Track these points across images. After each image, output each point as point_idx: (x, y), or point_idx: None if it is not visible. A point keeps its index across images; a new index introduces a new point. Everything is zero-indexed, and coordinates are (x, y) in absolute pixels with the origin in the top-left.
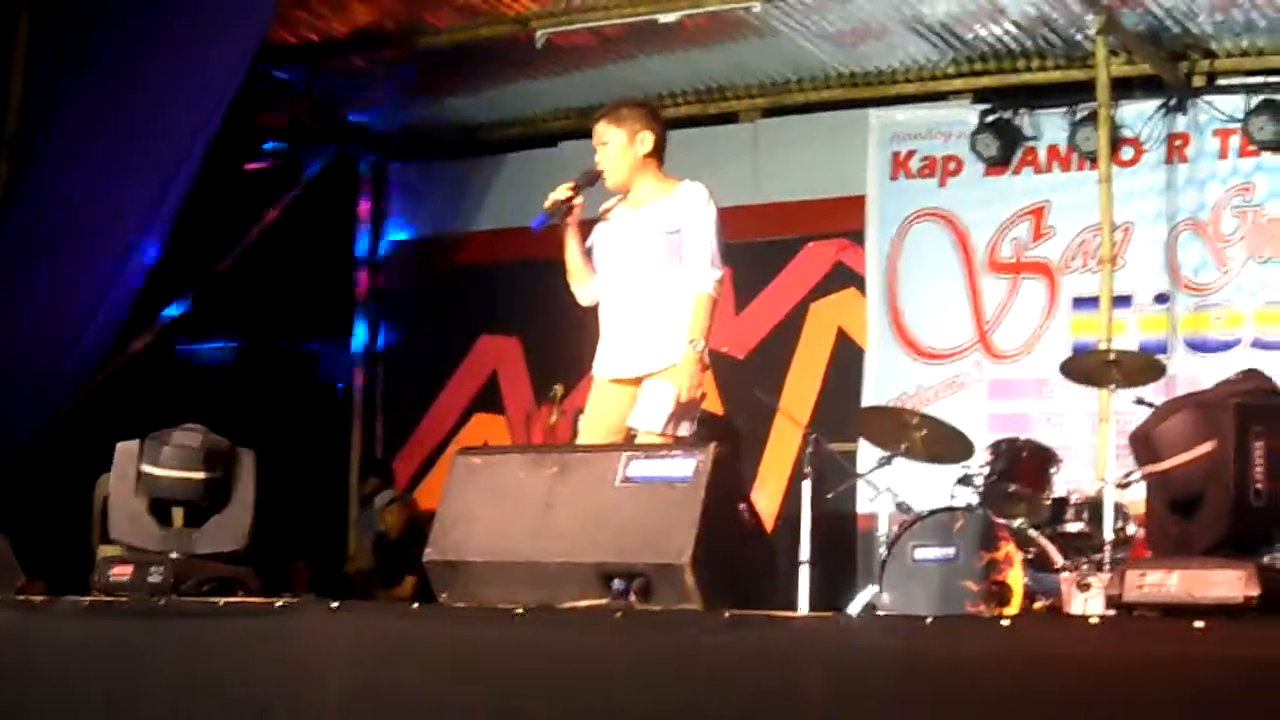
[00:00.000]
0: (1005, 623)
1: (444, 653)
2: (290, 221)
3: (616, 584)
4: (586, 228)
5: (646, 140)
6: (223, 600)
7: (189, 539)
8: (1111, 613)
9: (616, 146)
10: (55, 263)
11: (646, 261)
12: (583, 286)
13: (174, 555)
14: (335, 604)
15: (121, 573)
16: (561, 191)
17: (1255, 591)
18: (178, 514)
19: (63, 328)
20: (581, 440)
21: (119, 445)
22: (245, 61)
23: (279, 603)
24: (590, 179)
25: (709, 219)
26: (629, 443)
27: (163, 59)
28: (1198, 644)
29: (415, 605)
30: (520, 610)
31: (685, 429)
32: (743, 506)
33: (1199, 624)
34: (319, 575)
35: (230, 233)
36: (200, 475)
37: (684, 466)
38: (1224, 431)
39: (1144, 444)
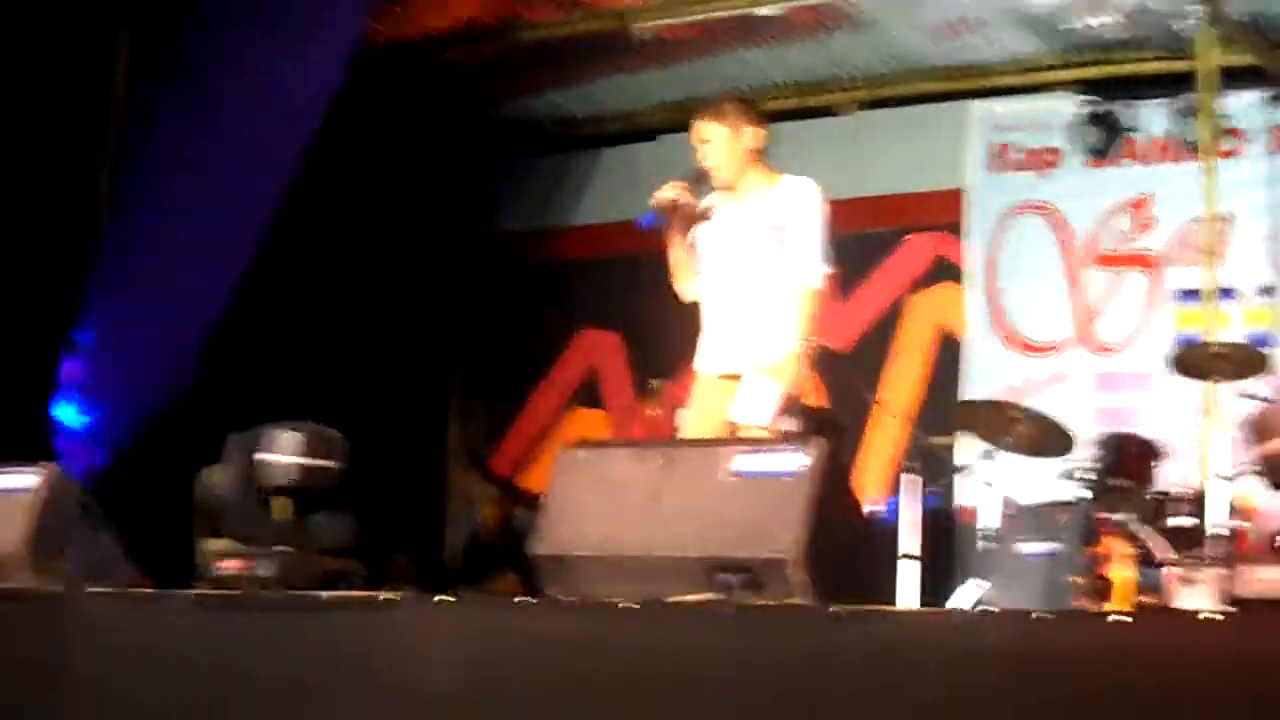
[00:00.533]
0: (1124, 619)
1: (552, 647)
2: (393, 218)
3: (724, 578)
4: (690, 224)
5: (750, 135)
6: (328, 594)
7: (302, 532)
8: (1221, 607)
9: (722, 142)
10: (158, 269)
11: (752, 256)
12: (687, 283)
13: (282, 549)
14: (439, 598)
15: (230, 566)
16: (670, 190)
17: None
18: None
19: (166, 332)
20: (685, 434)
21: (231, 436)
22: (343, 61)
23: (384, 596)
24: (698, 177)
25: (818, 214)
26: (737, 436)
27: (259, 63)
28: None
29: (523, 599)
30: (628, 605)
31: (789, 424)
32: (850, 501)
33: None
34: (419, 569)
35: (338, 225)
36: (312, 463)
37: (792, 461)
38: None
39: (1256, 428)
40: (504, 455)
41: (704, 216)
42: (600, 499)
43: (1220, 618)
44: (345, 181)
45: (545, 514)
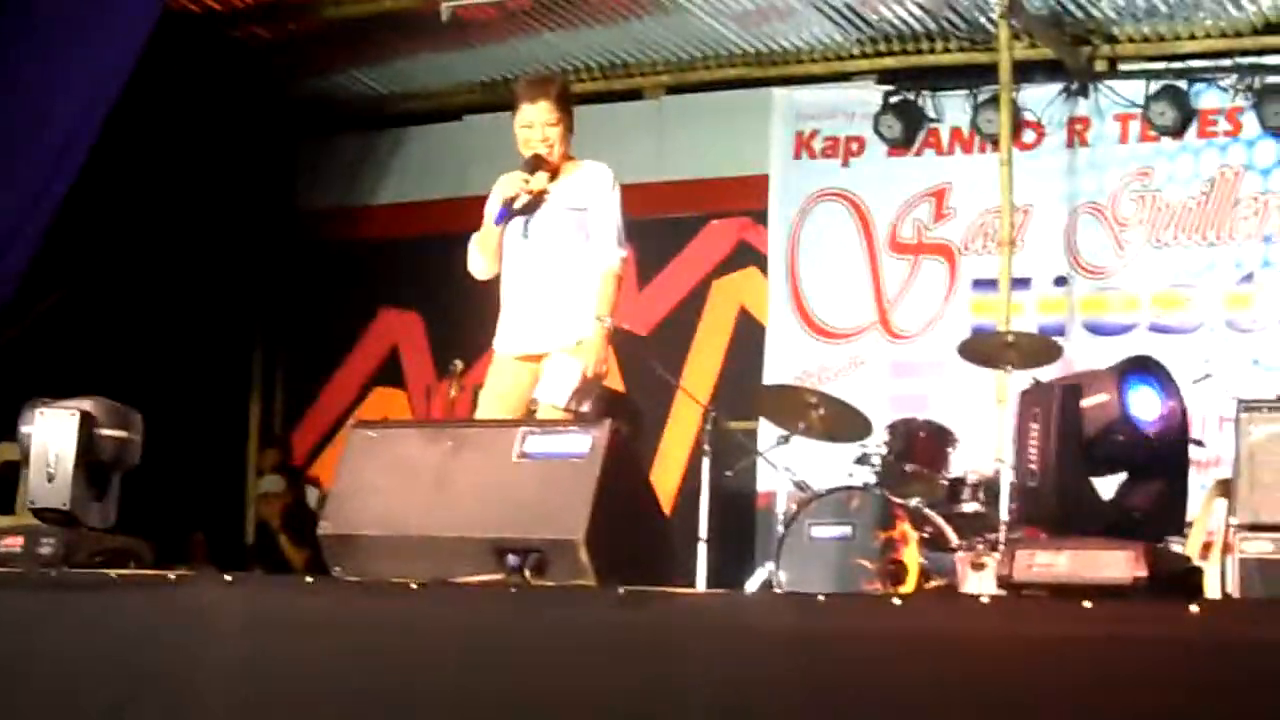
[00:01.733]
0: (897, 601)
1: (338, 626)
2: (192, 192)
3: (511, 559)
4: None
5: (566, 121)
6: (115, 572)
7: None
8: (1002, 592)
9: (563, 128)
10: None
11: (552, 238)
12: (488, 259)
13: (65, 527)
14: (229, 576)
15: (12, 544)
16: (514, 183)
17: (1144, 572)
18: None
19: None
20: (482, 414)
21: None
22: (145, 31)
23: (172, 575)
24: (535, 165)
25: (615, 198)
26: (527, 418)
27: (55, 31)
28: (1086, 624)
29: (309, 578)
30: (415, 584)
31: (588, 405)
32: (641, 483)
33: (1087, 604)
34: (216, 548)
35: (135, 199)
36: (103, 434)
37: (580, 443)
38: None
39: None
40: (303, 434)
41: (537, 204)
42: (390, 479)
43: (987, 601)
44: (146, 155)
45: (335, 493)
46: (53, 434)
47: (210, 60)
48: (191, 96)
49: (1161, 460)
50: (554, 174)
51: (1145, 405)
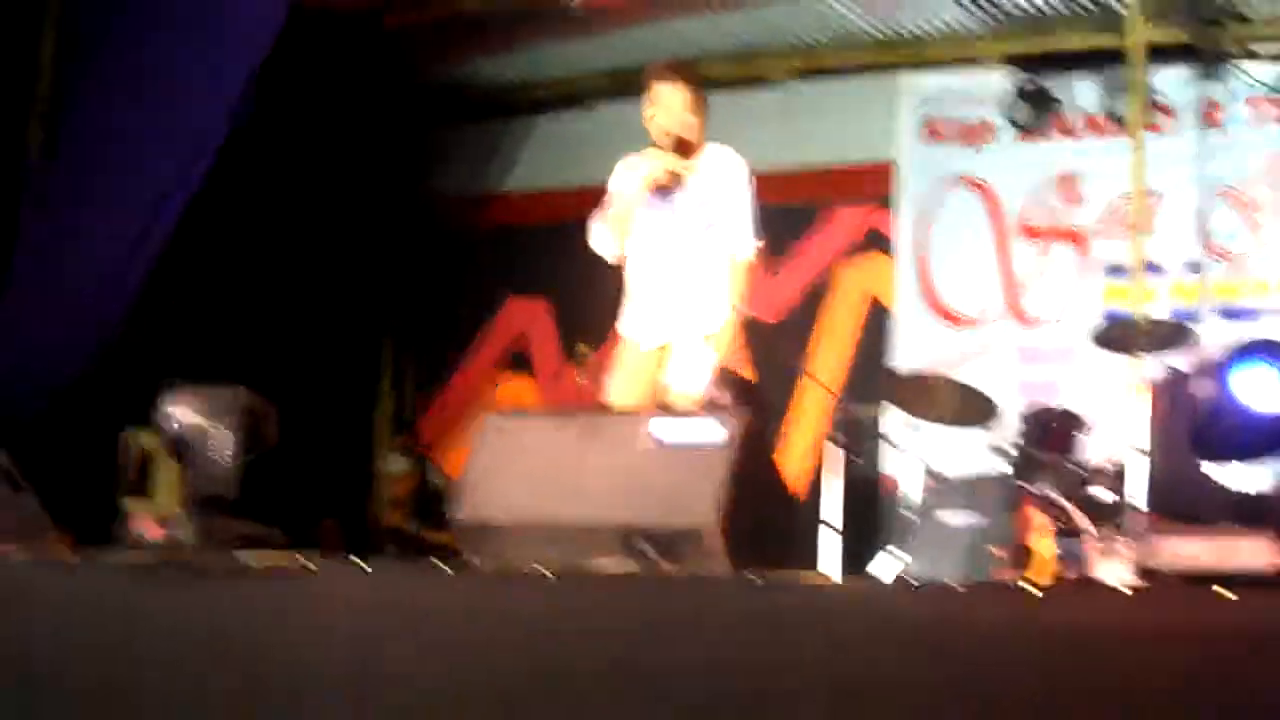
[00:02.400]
0: (1037, 592)
1: (470, 614)
2: (324, 181)
3: (642, 546)
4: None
5: (702, 107)
6: (251, 558)
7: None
8: (1141, 581)
9: (687, 109)
10: (87, 222)
11: (685, 225)
12: (615, 239)
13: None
14: (360, 562)
15: (149, 529)
16: (664, 167)
17: None
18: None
19: (92, 291)
20: (612, 400)
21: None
22: (274, 24)
23: (304, 561)
24: (669, 143)
25: (747, 187)
26: (657, 406)
27: (190, 22)
28: (1228, 613)
29: (441, 566)
30: (546, 573)
31: (718, 394)
32: (771, 471)
33: (1228, 594)
34: (348, 534)
35: (268, 187)
36: (214, 428)
37: (712, 430)
38: None
39: None
40: (432, 421)
41: (671, 188)
42: (521, 466)
43: (1129, 591)
44: (278, 146)
45: (467, 480)
46: (215, 422)
47: (344, 50)
48: (324, 86)
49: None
50: (688, 155)
51: (1257, 389)
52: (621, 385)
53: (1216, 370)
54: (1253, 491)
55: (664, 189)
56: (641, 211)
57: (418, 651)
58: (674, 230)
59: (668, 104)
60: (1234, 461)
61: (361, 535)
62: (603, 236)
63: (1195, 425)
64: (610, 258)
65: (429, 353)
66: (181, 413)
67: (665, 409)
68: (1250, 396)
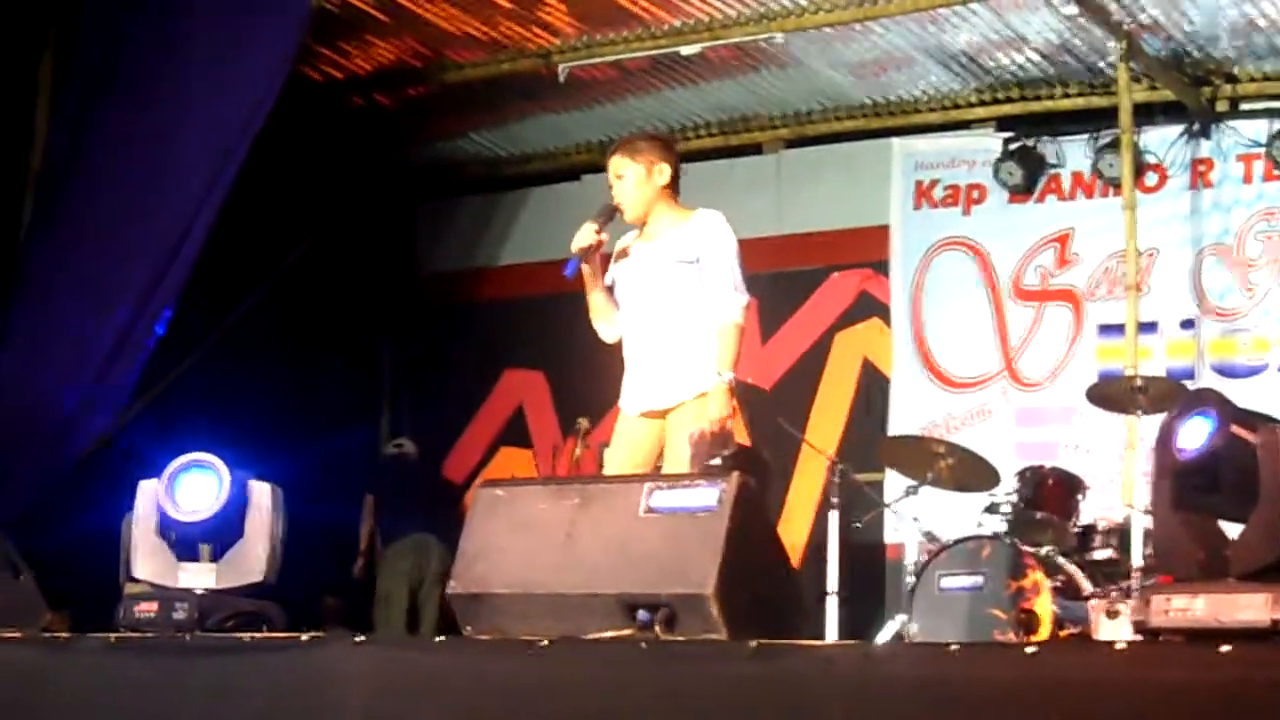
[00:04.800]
0: (1031, 650)
1: (468, 686)
2: (313, 260)
3: (641, 615)
4: (606, 263)
5: (663, 172)
6: (247, 635)
7: (209, 574)
8: (1138, 638)
9: (634, 179)
10: (81, 299)
11: (667, 293)
12: (607, 323)
13: (199, 591)
14: (359, 637)
15: (147, 609)
16: (587, 234)
17: None
18: (205, 550)
19: (89, 370)
20: (609, 470)
21: (141, 484)
22: (270, 95)
23: (303, 637)
24: (609, 214)
25: (728, 245)
26: (653, 473)
27: (184, 92)
28: (1224, 669)
29: (439, 639)
30: (544, 642)
31: (713, 459)
32: (769, 536)
33: (1225, 648)
34: (352, 611)
35: (258, 265)
36: (213, 510)
37: (707, 496)
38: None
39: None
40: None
41: (621, 255)
42: (517, 537)
43: (1123, 648)
44: (268, 223)
45: (462, 552)
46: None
47: (330, 127)
48: (311, 163)
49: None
50: (640, 223)
51: (1188, 437)
52: (618, 454)
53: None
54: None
55: (645, 256)
56: (622, 288)
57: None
58: (656, 298)
59: (614, 179)
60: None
61: (362, 612)
62: (595, 323)
63: (1177, 478)
64: (608, 339)
65: (426, 428)
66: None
67: (661, 476)
68: (1186, 442)
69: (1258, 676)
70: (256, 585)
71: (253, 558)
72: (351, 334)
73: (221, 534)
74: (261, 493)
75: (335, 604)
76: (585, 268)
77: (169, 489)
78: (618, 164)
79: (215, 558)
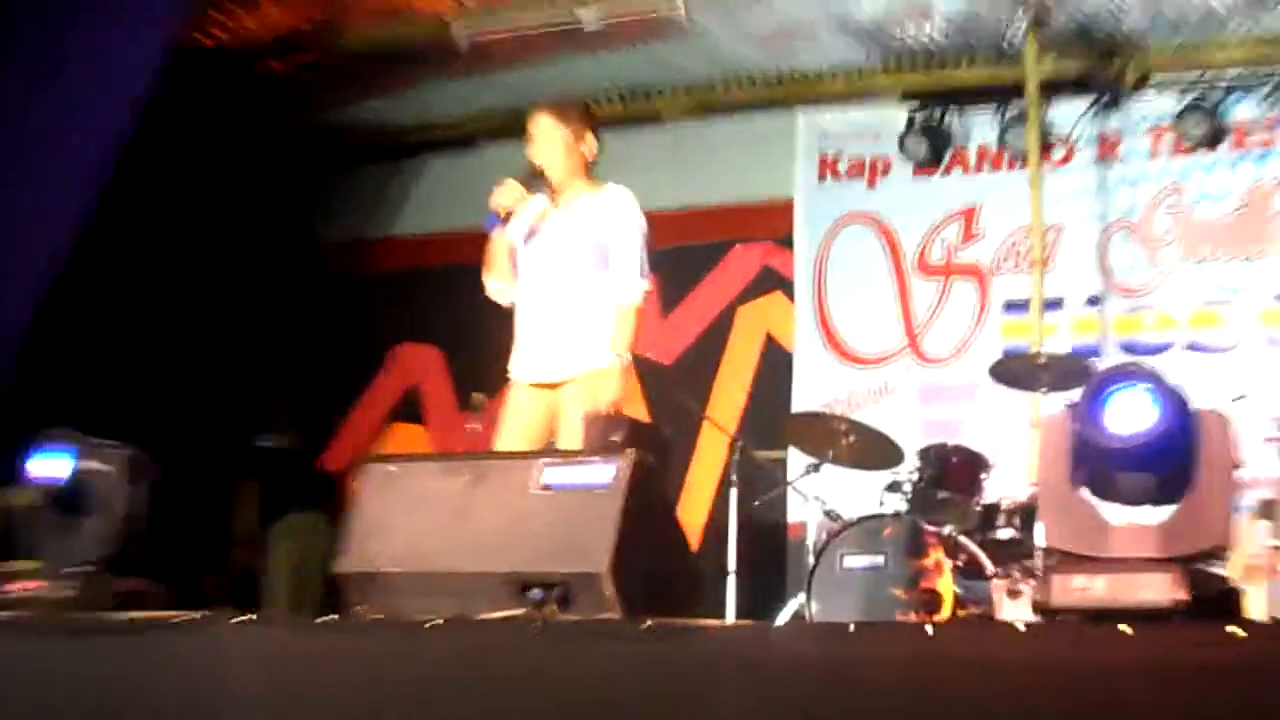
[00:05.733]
0: (931, 629)
1: (356, 666)
2: (205, 229)
3: (534, 593)
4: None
5: (589, 143)
6: (130, 615)
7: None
8: (1038, 619)
9: (562, 143)
10: None
11: (571, 265)
12: (504, 283)
13: (84, 569)
14: (245, 617)
15: (25, 587)
16: (512, 192)
17: (1184, 595)
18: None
19: None
20: (500, 445)
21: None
22: (155, 65)
23: (186, 616)
24: (531, 174)
25: (638, 227)
26: (547, 449)
27: (69, 59)
28: (1126, 649)
29: (327, 618)
30: (433, 622)
31: (610, 436)
32: (665, 515)
33: (1126, 629)
34: (235, 592)
35: (150, 236)
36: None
37: (603, 473)
38: None
39: None
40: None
41: (529, 218)
42: (408, 514)
43: (1023, 628)
44: (159, 192)
45: (351, 530)
46: (104, 480)
47: (223, 94)
48: (203, 132)
49: (1164, 476)
50: (558, 189)
51: (1129, 416)
52: (511, 430)
53: (1088, 400)
54: (1150, 523)
55: (550, 223)
56: (527, 253)
57: (308, 703)
58: (559, 268)
59: (540, 140)
60: (1115, 494)
61: (245, 590)
62: (490, 281)
63: (1075, 460)
64: (502, 300)
65: (317, 403)
66: (59, 468)
67: (555, 453)
68: (1123, 422)
69: (1156, 657)
70: (106, 559)
71: (102, 530)
72: (243, 307)
73: (74, 507)
74: (111, 462)
75: (216, 584)
76: (505, 225)
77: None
78: (546, 125)
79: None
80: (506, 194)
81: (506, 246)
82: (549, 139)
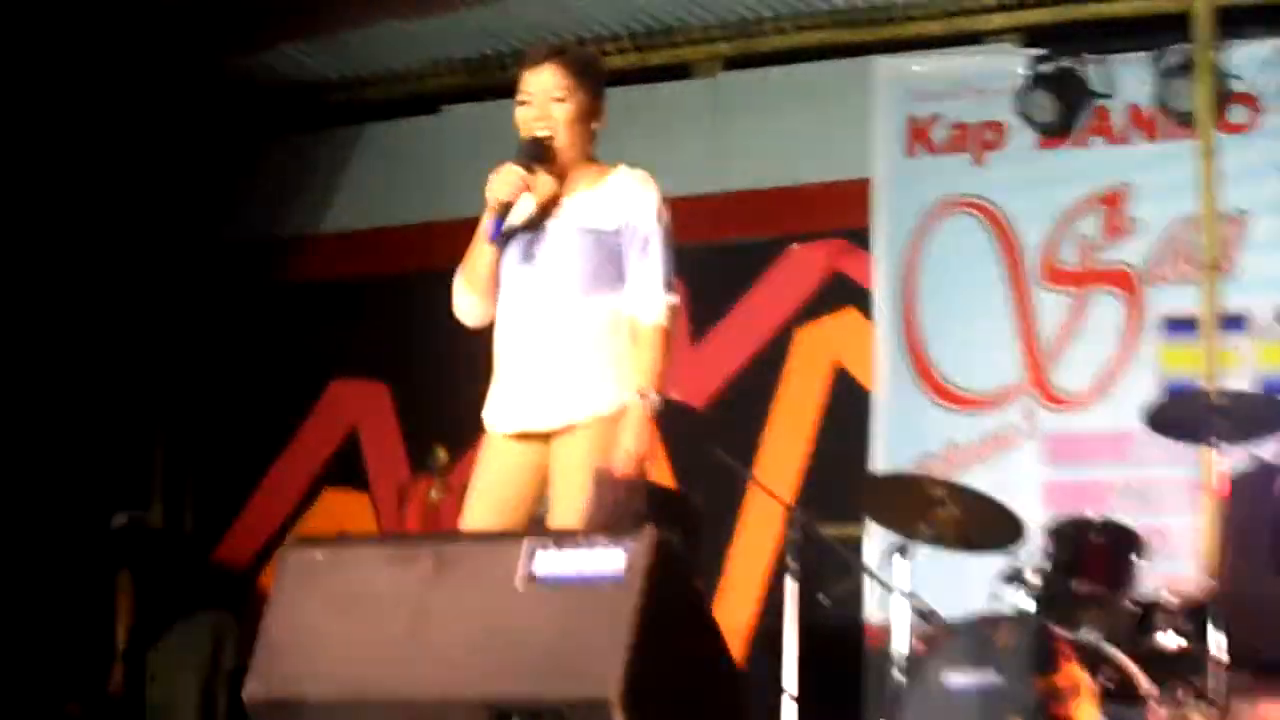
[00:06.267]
0: None
1: None
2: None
3: None
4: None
5: (600, 112)
6: None
7: None
8: None
9: (576, 108)
10: None
11: (571, 271)
12: (480, 298)
13: None
14: None
15: None
16: (512, 181)
17: None
18: None
19: None
20: (469, 521)
21: None
22: None
23: None
24: (538, 152)
25: (660, 221)
26: (535, 526)
27: None
28: None
29: None
30: None
31: (618, 507)
32: (696, 616)
33: None
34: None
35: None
36: None
37: (611, 559)
38: None
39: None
40: (229, 552)
41: (544, 216)
42: (344, 619)
43: None
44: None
45: (265, 640)
46: None
47: (91, 31)
48: (72, 81)
49: None
50: (563, 173)
51: None
52: (486, 499)
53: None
54: None
55: (528, 222)
56: (510, 255)
57: None
58: (553, 276)
59: (541, 101)
60: None
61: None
62: (460, 294)
63: (1273, 538)
64: (472, 321)
65: (219, 462)
66: None
67: (547, 532)
68: None
69: None
70: None
71: None
72: (110, 327)
73: None
74: None
75: (78, 711)
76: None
77: None
78: (555, 79)
79: None
80: (505, 184)
81: (493, 251)
82: (554, 99)
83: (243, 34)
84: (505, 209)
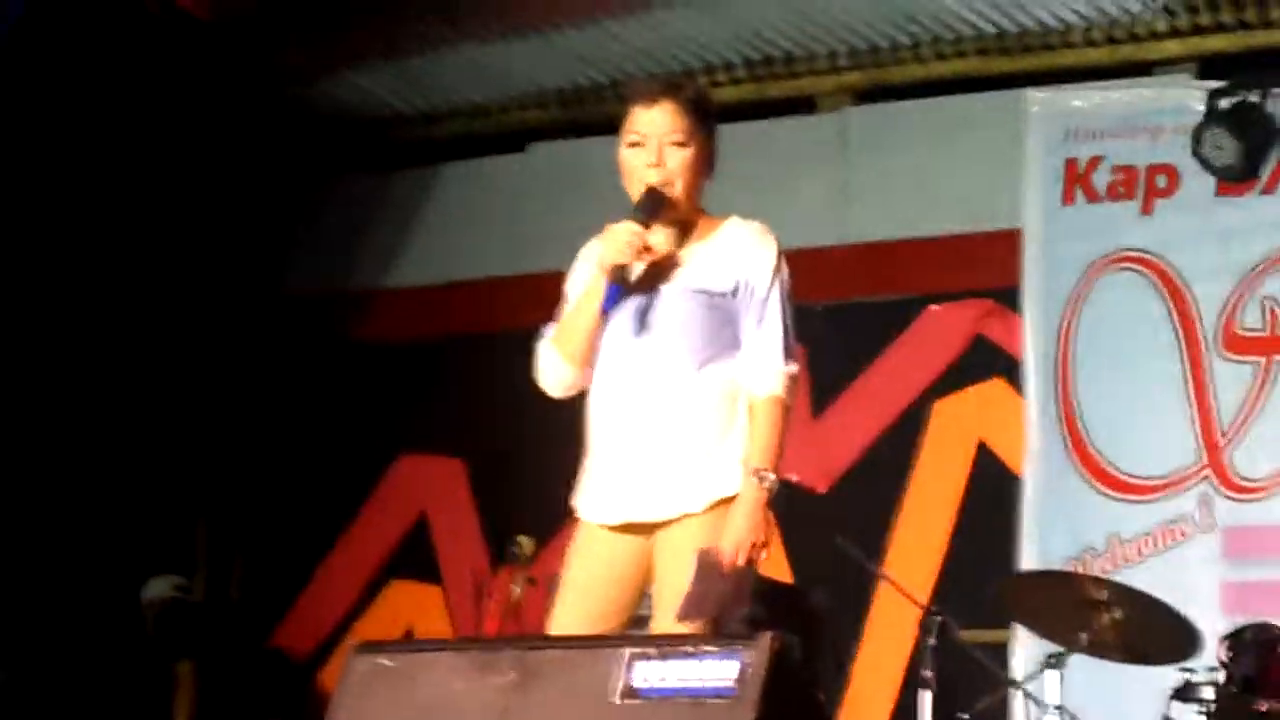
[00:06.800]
0: None
1: None
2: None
3: None
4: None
5: (713, 158)
6: None
7: None
8: None
9: (696, 154)
10: None
11: (682, 341)
12: (581, 370)
13: None
14: None
15: None
16: (630, 241)
17: None
18: None
19: None
20: (558, 624)
21: None
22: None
23: None
24: (657, 205)
25: (779, 282)
26: (635, 631)
27: None
28: None
29: None
30: None
31: (730, 609)
32: None
33: None
34: None
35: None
36: None
37: (724, 670)
38: None
39: None
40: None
41: (655, 279)
42: None
43: None
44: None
45: None
46: None
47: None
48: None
49: None
50: (686, 227)
51: None
52: (578, 597)
53: None
54: None
55: (638, 283)
56: (614, 321)
57: None
58: (659, 346)
59: (642, 133)
60: None
61: None
62: (550, 361)
63: None
64: (559, 392)
65: (271, 548)
66: None
67: (649, 639)
68: None
69: None
70: None
71: None
72: (165, 384)
73: None
74: None
75: None
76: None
77: None
78: (673, 119)
79: None
80: (621, 244)
81: (592, 315)
82: (673, 143)
83: (301, 59)
84: (621, 273)
